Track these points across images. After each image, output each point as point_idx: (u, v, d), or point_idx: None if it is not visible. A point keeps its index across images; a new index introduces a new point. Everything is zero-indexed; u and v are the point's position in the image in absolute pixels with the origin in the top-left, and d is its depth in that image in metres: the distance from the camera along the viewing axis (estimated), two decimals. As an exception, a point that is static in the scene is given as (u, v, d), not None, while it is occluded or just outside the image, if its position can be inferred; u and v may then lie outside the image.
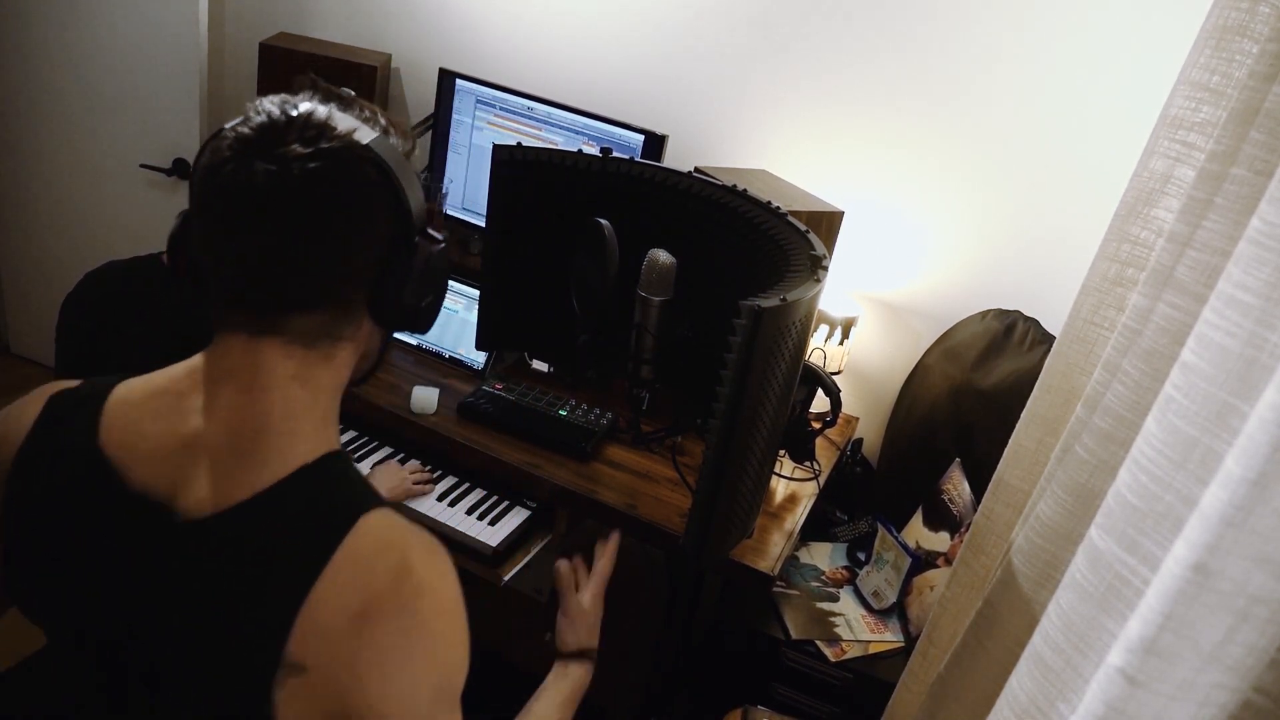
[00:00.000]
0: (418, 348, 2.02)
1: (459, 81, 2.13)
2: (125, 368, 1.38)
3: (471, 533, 1.64)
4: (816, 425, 1.62)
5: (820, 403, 1.62)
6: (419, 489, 1.72)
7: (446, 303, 2.02)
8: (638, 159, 1.76)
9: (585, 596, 1.17)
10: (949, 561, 1.74)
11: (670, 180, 1.51)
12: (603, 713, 2.28)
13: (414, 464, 1.77)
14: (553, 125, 2.05)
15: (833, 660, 1.70)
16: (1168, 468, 0.60)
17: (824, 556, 1.97)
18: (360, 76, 2.26)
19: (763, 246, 1.40)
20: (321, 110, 0.80)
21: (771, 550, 1.56)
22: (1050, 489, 0.96)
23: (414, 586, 0.76)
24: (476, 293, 1.94)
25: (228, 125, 0.79)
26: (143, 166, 2.56)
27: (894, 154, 1.96)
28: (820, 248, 1.31)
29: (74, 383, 0.86)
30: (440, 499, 1.72)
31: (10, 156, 2.77)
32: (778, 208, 1.42)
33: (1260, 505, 0.49)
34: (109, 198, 2.68)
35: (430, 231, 0.85)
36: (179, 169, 2.53)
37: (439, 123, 2.19)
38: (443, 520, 1.66)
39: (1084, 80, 1.77)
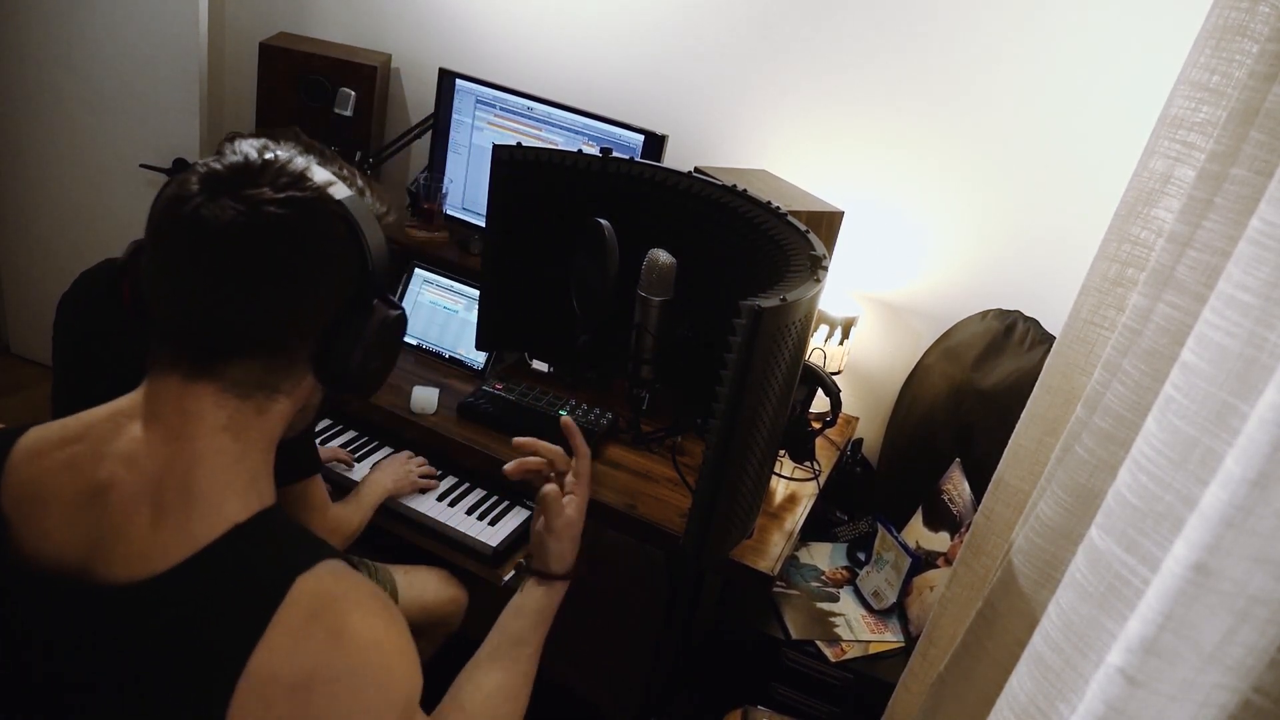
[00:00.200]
0: (418, 348, 2.02)
1: (459, 81, 2.13)
2: (121, 367, 1.38)
3: (471, 533, 1.64)
4: (816, 425, 1.62)
5: (820, 403, 1.62)
6: (424, 483, 1.72)
7: (446, 303, 2.02)
8: (638, 159, 1.76)
9: (571, 507, 1.06)
10: (949, 561, 1.74)
11: (670, 180, 1.50)
12: (603, 713, 2.28)
13: (419, 459, 1.77)
14: (553, 125, 2.05)
15: (833, 660, 1.70)
16: (1168, 468, 0.60)
17: (824, 556, 1.97)
18: (360, 76, 2.26)
19: (763, 246, 1.40)
20: (300, 160, 0.78)
21: (771, 550, 1.56)
22: (1050, 489, 0.96)
23: (354, 646, 0.74)
24: (476, 293, 1.94)
25: (200, 161, 0.77)
26: (143, 166, 2.56)
27: (894, 154, 1.96)
28: (820, 248, 1.31)
29: None
30: (440, 499, 1.72)
31: (10, 156, 2.77)
32: (778, 208, 1.42)
33: (1260, 505, 0.49)
34: (109, 198, 2.68)
35: (389, 297, 0.83)
36: (179, 169, 2.52)
37: (439, 123, 2.19)
38: (443, 520, 1.66)
39: (1084, 80, 1.77)
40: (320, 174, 0.79)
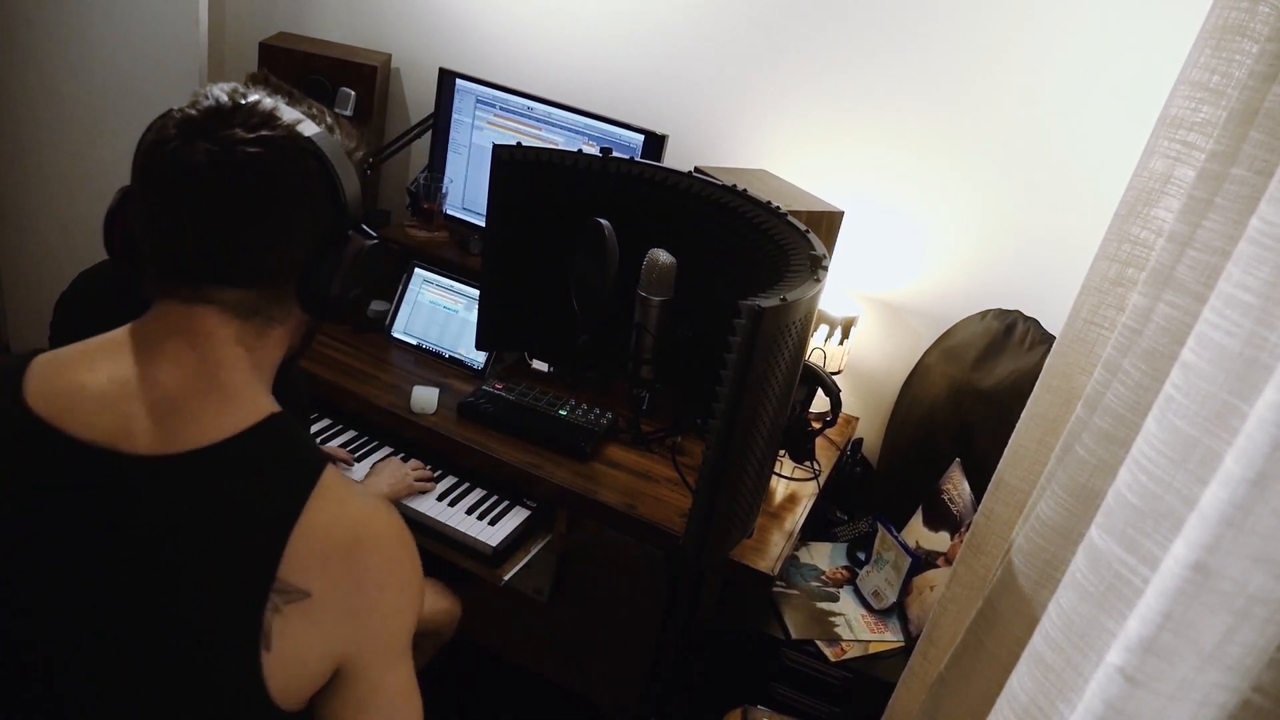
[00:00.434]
0: (417, 348, 2.02)
1: (459, 81, 2.13)
2: None
3: (471, 533, 1.64)
4: (816, 425, 1.62)
5: (820, 403, 1.62)
6: (420, 486, 1.72)
7: (446, 303, 2.02)
8: (638, 159, 1.76)
9: None
10: (949, 561, 1.74)
11: (670, 180, 1.51)
12: (603, 713, 2.28)
13: (415, 462, 1.77)
14: (553, 125, 2.05)
15: (833, 660, 1.70)
16: (1168, 468, 0.60)
17: (824, 556, 1.97)
18: (360, 76, 2.26)
19: (763, 246, 1.40)
20: (268, 101, 0.83)
21: (771, 550, 1.56)
22: (1050, 489, 0.96)
23: (386, 524, 0.84)
24: (476, 293, 1.94)
25: (175, 107, 0.82)
26: (143, 166, 2.56)
27: (894, 154, 1.96)
28: (820, 248, 1.31)
29: None
30: (440, 499, 1.72)
31: (10, 156, 2.77)
32: (778, 208, 1.42)
33: (1260, 505, 0.49)
34: (109, 198, 2.68)
35: (364, 227, 0.88)
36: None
37: (439, 123, 2.19)
38: (443, 520, 1.66)
39: (1084, 80, 1.77)
40: (289, 113, 0.83)
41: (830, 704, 1.73)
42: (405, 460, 1.77)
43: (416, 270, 2.06)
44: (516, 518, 1.71)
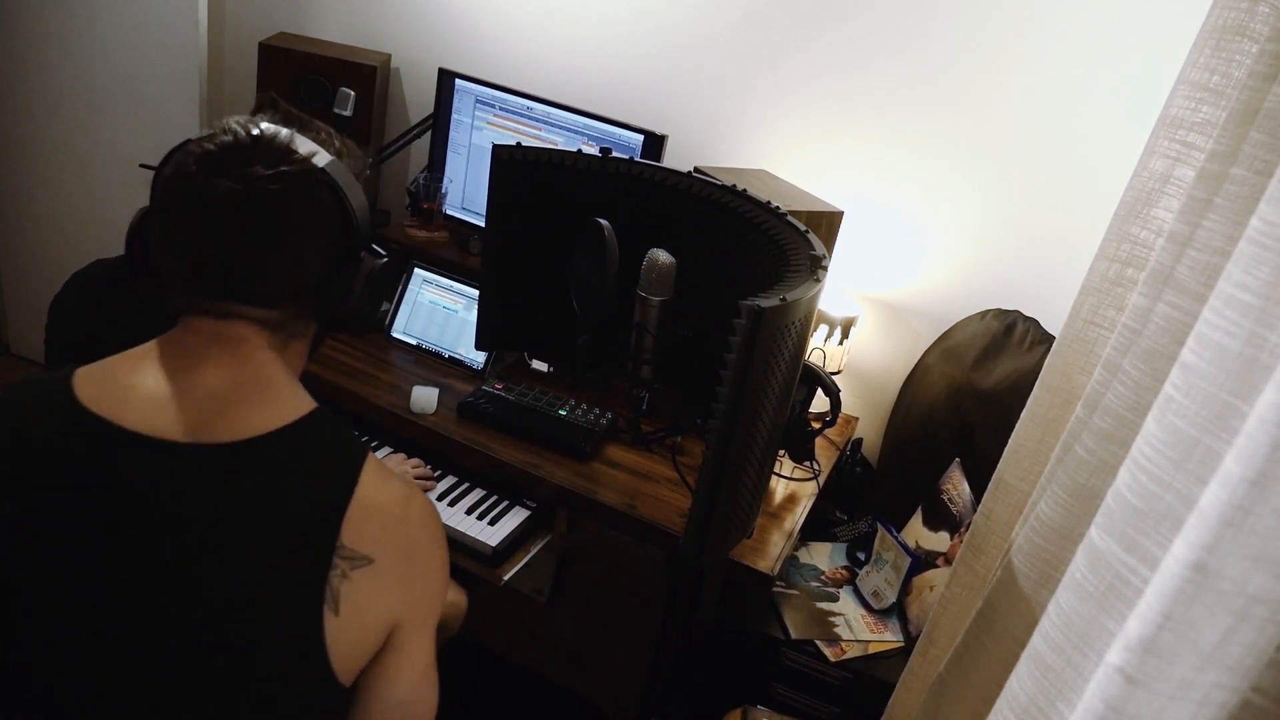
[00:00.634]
0: (417, 348, 2.02)
1: (459, 81, 2.13)
2: None
3: (471, 533, 1.64)
4: (816, 425, 1.62)
5: (820, 403, 1.62)
6: (421, 485, 1.72)
7: (446, 303, 2.02)
8: (637, 159, 1.76)
9: None
10: (949, 561, 1.74)
11: (670, 180, 1.51)
12: (603, 713, 2.28)
13: (415, 461, 1.77)
14: (552, 125, 2.05)
15: (833, 660, 1.70)
16: (1168, 468, 0.60)
17: (824, 556, 1.97)
18: (360, 76, 2.26)
19: (763, 246, 1.40)
20: (284, 134, 0.88)
21: (771, 550, 1.56)
22: (1050, 489, 0.96)
23: (424, 502, 0.92)
24: (476, 293, 1.94)
25: (193, 140, 0.87)
26: (143, 166, 2.53)
27: (894, 154, 1.96)
28: (820, 248, 1.31)
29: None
30: (440, 499, 1.72)
31: (10, 156, 2.77)
32: (777, 208, 1.42)
33: (1260, 505, 0.49)
34: (109, 198, 2.68)
35: (374, 247, 0.94)
36: (179, 169, 2.53)
37: (439, 123, 2.19)
38: (442, 520, 1.66)
39: (1084, 80, 1.77)
40: (304, 145, 0.88)
41: (830, 704, 1.73)
42: (405, 459, 1.77)
43: (416, 270, 2.06)
44: (516, 518, 1.71)
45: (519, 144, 1.54)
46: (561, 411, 1.79)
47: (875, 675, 1.69)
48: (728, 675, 1.86)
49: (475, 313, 1.77)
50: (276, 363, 0.88)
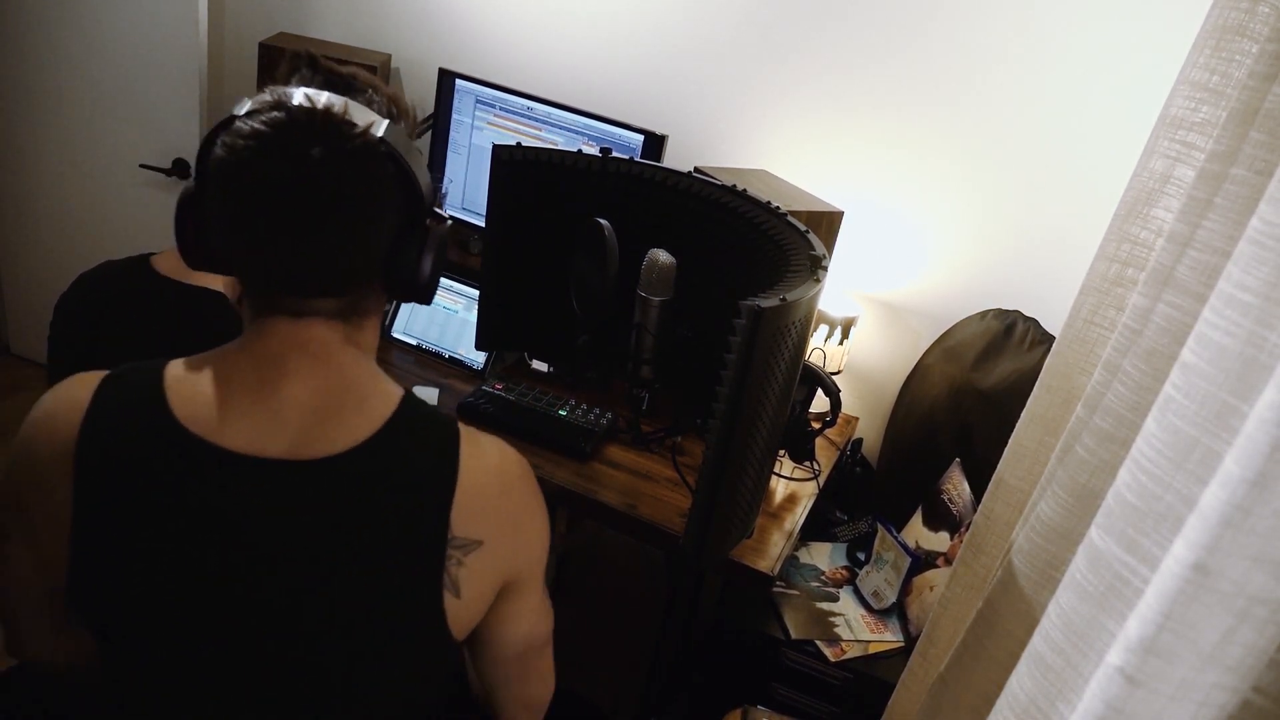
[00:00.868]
0: (417, 348, 2.02)
1: (459, 81, 2.13)
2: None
3: (471, 533, 1.64)
4: (816, 425, 1.62)
5: (820, 403, 1.62)
6: None
7: (446, 303, 2.03)
8: (637, 159, 1.76)
9: None
10: (949, 561, 1.74)
11: (670, 180, 1.51)
12: (603, 713, 2.28)
13: None
14: (553, 125, 2.05)
15: (833, 660, 1.70)
16: (1168, 468, 0.60)
17: (824, 556, 1.97)
18: (360, 76, 2.25)
19: (763, 246, 1.40)
20: (338, 104, 0.81)
21: (771, 550, 1.56)
22: (1050, 489, 0.96)
23: (517, 461, 0.92)
24: (476, 293, 1.94)
25: (240, 116, 0.79)
26: (143, 166, 2.55)
27: (894, 154, 1.96)
28: (820, 248, 1.31)
29: (104, 372, 0.85)
30: (440, 499, 1.72)
31: (10, 156, 2.77)
32: (778, 208, 1.42)
33: (1260, 505, 0.49)
34: (109, 198, 2.68)
35: (436, 211, 0.90)
36: (179, 169, 2.53)
37: (439, 123, 2.19)
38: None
39: (1084, 80, 1.77)
40: (361, 114, 0.81)
41: (830, 704, 1.73)
42: None
43: (416, 270, 2.06)
44: (516, 518, 1.71)
45: (519, 144, 1.54)
46: (561, 411, 1.79)
47: (875, 675, 1.69)
48: (728, 675, 1.86)
49: (475, 313, 1.77)
50: (357, 358, 0.86)
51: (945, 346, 1.99)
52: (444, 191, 2.20)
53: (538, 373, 1.98)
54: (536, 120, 2.07)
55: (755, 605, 1.81)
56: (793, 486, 1.76)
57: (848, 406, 2.07)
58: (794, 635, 1.74)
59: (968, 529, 1.40)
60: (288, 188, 0.77)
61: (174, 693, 0.83)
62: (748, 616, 1.79)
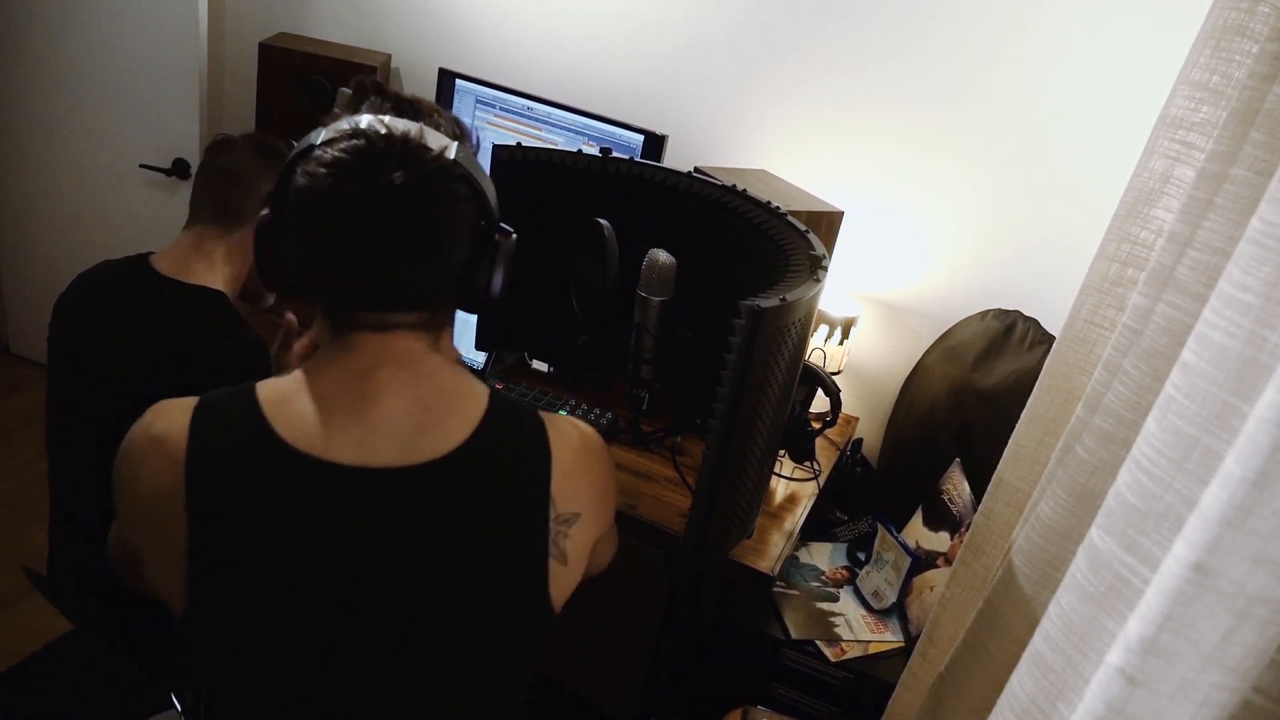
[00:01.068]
0: (418, 348, 2.01)
1: (459, 81, 2.13)
2: (115, 370, 1.37)
3: (471, 533, 1.64)
4: (816, 425, 1.62)
5: (820, 403, 1.62)
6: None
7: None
8: (637, 159, 1.76)
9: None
10: (949, 561, 1.74)
11: (670, 180, 1.50)
12: (603, 713, 2.28)
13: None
14: (552, 125, 2.05)
15: (833, 660, 1.70)
16: (1168, 468, 0.60)
17: (824, 556, 1.97)
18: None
19: (763, 246, 1.40)
20: (414, 130, 0.85)
21: (771, 550, 1.56)
22: (1050, 489, 0.96)
23: (585, 430, 0.98)
24: (476, 293, 1.94)
25: (318, 145, 0.83)
26: (143, 166, 2.55)
27: (894, 154, 1.96)
28: (820, 248, 1.31)
29: (191, 400, 0.86)
30: (440, 499, 1.72)
31: (10, 156, 2.77)
32: (777, 208, 1.42)
33: (1260, 505, 0.49)
34: (109, 198, 2.68)
35: (503, 225, 0.94)
36: (179, 169, 2.53)
37: (439, 123, 2.19)
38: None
39: (1084, 80, 1.77)
40: (434, 140, 0.86)
41: (830, 704, 1.73)
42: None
43: (416, 270, 2.06)
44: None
45: (519, 144, 1.54)
46: (562, 411, 1.79)
47: (875, 675, 1.69)
48: (728, 675, 1.86)
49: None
50: (444, 364, 0.91)
51: (945, 346, 1.99)
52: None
53: (538, 373, 1.98)
54: (536, 120, 2.07)
55: (755, 605, 1.81)
56: (793, 486, 1.76)
57: (848, 406, 2.07)
58: (794, 635, 1.74)
59: (968, 529, 1.40)
60: (372, 211, 0.81)
61: (301, 698, 0.86)
62: (748, 616, 1.79)
